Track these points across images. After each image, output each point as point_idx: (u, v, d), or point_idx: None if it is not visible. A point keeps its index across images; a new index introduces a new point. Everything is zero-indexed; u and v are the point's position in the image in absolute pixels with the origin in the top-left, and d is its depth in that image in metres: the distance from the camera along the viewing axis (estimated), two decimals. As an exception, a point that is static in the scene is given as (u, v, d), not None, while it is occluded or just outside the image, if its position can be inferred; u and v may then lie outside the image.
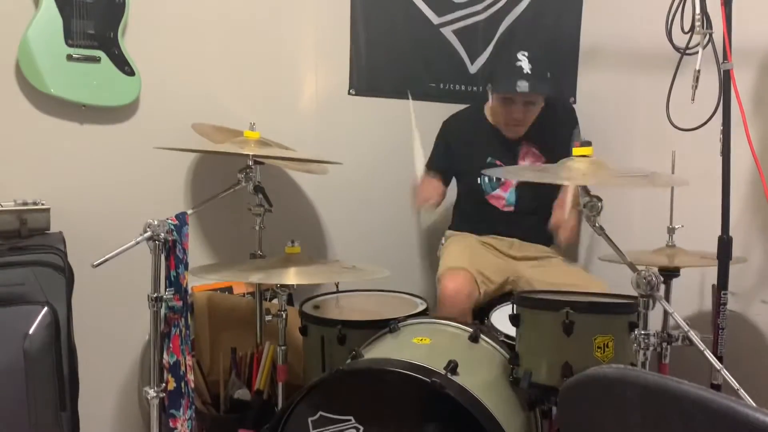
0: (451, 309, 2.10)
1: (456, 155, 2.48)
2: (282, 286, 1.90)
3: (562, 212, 2.32)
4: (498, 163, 2.41)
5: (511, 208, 2.44)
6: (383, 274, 1.92)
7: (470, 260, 2.26)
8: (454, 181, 2.59)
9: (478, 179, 2.43)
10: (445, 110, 2.62)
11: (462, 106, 2.63)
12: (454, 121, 2.55)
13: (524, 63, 2.24)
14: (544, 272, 2.32)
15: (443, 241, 2.52)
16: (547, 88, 2.28)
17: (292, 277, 1.80)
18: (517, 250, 2.42)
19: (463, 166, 2.47)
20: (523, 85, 2.22)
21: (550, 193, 2.49)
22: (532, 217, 2.44)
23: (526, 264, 2.38)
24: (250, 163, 1.93)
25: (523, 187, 2.42)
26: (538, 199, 2.42)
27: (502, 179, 2.42)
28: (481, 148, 2.43)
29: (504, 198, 2.43)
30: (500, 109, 2.36)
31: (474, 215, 2.51)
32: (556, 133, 2.42)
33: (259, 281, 2.00)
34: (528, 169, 2.34)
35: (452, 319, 1.92)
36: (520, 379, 1.64)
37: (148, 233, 1.67)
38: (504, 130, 2.40)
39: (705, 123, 1.70)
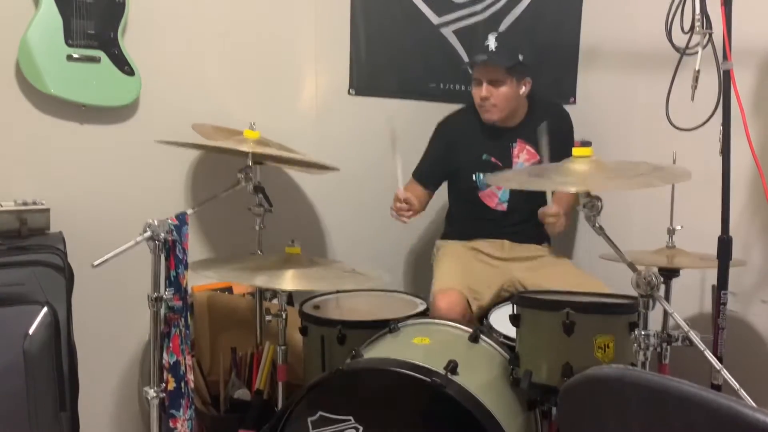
0: None
1: (453, 153, 2.48)
2: (281, 286, 1.90)
3: (558, 208, 2.31)
4: (493, 159, 2.41)
5: (504, 207, 2.43)
6: (382, 279, 1.93)
7: (461, 278, 2.23)
8: (444, 191, 2.59)
9: (473, 176, 2.43)
10: (445, 110, 2.62)
11: (461, 106, 2.63)
12: (450, 120, 2.55)
13: (491, 42, 2.33)
14: (538, 273, 2.32)
15: (435, 251, 2.52)
16: (507, 60, 2.31)
17: (290, 282, 1.80)
18: (508, 251, 2.42)
19: (458, 164, 2.47)
20: (482, 57, 2.33)
21: (543, 193, 2.49)
22: (523, 217, 2.43)
23: (518, 265, 2.38)
24: (250, 162, 1.93)
25: (516, 190, 2.42)
26: (530, 200, 2.42)
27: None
28: (476, 144, 2.43)
29: (497, 196, 2.43)
30: (474, 94, 2.40)
31: (466, 217, 2.51)
32: (551, 134, 2.42)
33: (259, 284, 1.99)
34: (526, 173, 2.34)
35: (452, 320, 1.92)
36: (520, 380, 1.64)
37: (148, 233, 1.68)
38: (483, 116, 2.41)
39: (704, 123, 1.70)
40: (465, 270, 2.32)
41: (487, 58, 2.31)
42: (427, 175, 2.51)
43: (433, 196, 2.54)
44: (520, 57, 2.33)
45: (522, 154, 2.43)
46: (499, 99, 2.34)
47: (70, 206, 2.16)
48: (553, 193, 2.44)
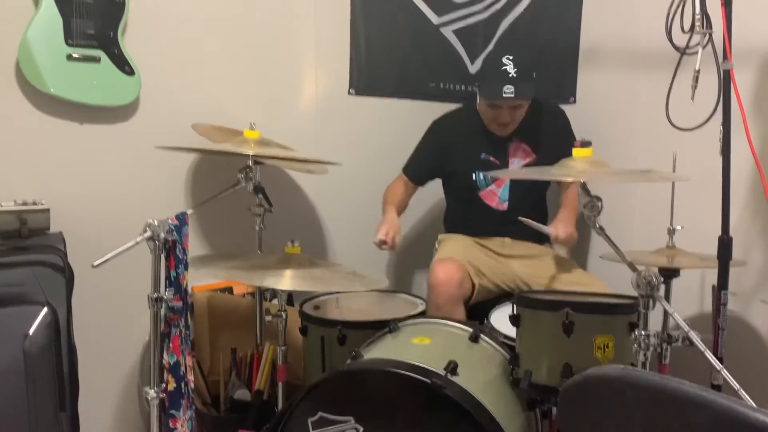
0: (441, 297, 2.09)
1: (449, 153, 2.47)
2: (281, 286, 1.90)
3: (564, 215, 2.32)
4: (491, 159, 2.41)
5: (504, 206, 2.43)
6: (382, 283, 1.93)
7: (463, 253, 2.26)
8: (441, 192, 2.60)
9: (473, 175, 2.43)
10: (444, 110, 2.62)
11: (457, 106, 2.63)
12: (446, 119, 2.54)
13: (509, 67, 2.23)
14: (539, 271, 2.32)
15: (436, 246, 2.52)
16: (532, 91, 2.27)
17: (290, 282, 1.80)
18: (509, 248, 2.42)
19: (457, 164, 2.47)
20: (509, 91, 2.22)
21: (542, 190, 2.49)
22: (524, 215, 2.43)
23: (519, 262, 2.38)
24: (250, 163, 1.93)
25: (516, 184, 2.42)
26: (530, 197, 2.43)
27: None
28: (475, 144, 2.43)
29: (497, 195, 2.44)
30: (488, 112, 2.36)
31: (466, 217, 2.51)
32: (546, 132, 2.42)
33: (259, 284, 1.99)
34: (527, 171, 2.35)
35: (452, 320, 1.92)
36: (520, 380, 1.64)
37: (148, 233, 1.67)
38: (497, 132, 2.41)
39: (704, 123, 1.70)
40: (468, 250, 2.32)
41: (515, 95, 2.21)
42: (417, 171, 2.52)
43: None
44: (534, 74, 2.28)
45: (518, 153, 2.43)
46: (518, 118, 2.35)
47: (70, 206, 2.16)
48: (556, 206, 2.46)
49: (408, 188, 2.51)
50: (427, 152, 2.51)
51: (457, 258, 2.20)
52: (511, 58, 2.25)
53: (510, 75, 2.22)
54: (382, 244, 2.23)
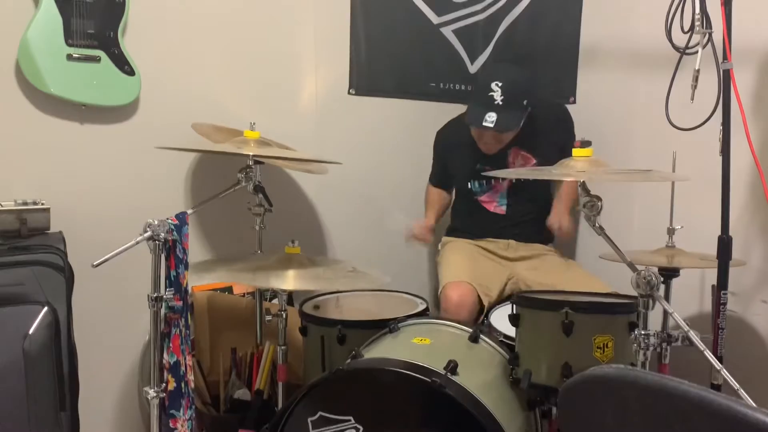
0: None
1: (448, 162, 2.56)
2: (281, 286, 1.90)
3: (561, 208, 2.34)
4: (487, 168, 2.41)
5: (502, 210, 2.46)
6: (383, 280, 1.93)
7: (472, 272, 2.26)
8: None
9: (468, 183, 2.45)
10: (444, 110, 2.63)
11: (461, 106, 2.63)
12: (444, 130, 2.60)
13: (497, 94, 2.18)
14: (542, 273, 2.33)
15: (440, 247, 2.53)
16: (517, 121, 2.23)
17: (290, 282, 1.80)
18: (513, 250, 2.43)
19: (455, 172, 2.53)
20: (489, 120, 2.17)
21: (543, 195, 2.50)
22: (524, 217, 2.45)
23: (522, 264, 2.39)
24: (250, 162, 1.93)
25: (515, 191, 2.43)
26: (531, 200, 2.44)
27: (492, 183, 2.44)
28: (471, 154, 2.44)
29: (495, 201, 2.46)
30: (474, 131, 2.35)
31: (468, 218, 2.54)
32: (546, 136, 2.42)
33: (259, 284, 1.99)
34: (525, 171, 2.35)
35: (452, 320, 1.92)
36: (520, 379, 1.64)
37: (148, 233, 1.67)
38: (482, 148, 2.40)
39: (704, 123, 1.70)
40: (474, 264, 2.34)
41: (494, 125, 2.17)
42: (439, 179, 2.63)
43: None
44: (525, 101, 2.25)
45: (518, 161, 2.43)
46: (504, 140, 2.35)
47: (70, 206, 2.15)
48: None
49: (440, 194, 2.62)
50: (438, 162, 2.62)
51: (467, 279, 2.19)
52: (500, 84, 2.18)
53: (495, 102, 2.18)
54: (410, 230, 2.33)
